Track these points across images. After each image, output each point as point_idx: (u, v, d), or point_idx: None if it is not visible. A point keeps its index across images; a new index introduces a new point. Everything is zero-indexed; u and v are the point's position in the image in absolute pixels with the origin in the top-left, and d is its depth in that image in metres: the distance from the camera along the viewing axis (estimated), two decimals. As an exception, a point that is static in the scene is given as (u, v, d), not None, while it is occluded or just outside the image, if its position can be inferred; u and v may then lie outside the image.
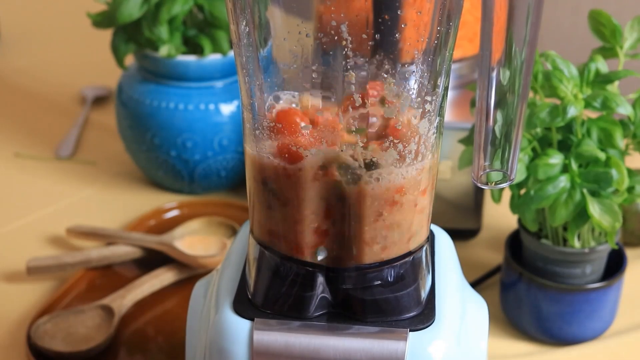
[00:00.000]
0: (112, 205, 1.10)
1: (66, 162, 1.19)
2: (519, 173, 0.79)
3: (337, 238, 0.62)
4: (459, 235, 0.92)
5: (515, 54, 0.57)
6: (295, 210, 0.61)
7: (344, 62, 0.57)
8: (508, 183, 0.62)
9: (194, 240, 0.97)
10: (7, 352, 0.85)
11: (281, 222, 0.62)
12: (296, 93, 0.60)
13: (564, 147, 0.81)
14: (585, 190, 0.78)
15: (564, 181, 0.78)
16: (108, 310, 0.87)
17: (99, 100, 1.34)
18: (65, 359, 0.83)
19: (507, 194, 0.87)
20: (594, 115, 0.82)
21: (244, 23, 0.58)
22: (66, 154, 1.20)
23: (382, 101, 0.59)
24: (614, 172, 0.77)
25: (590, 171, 0.78)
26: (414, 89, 0.59)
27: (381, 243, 0.62)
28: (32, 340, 0.83)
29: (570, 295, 0.84)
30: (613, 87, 0.81)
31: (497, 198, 0.83)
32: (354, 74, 0.57)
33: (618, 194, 0.79)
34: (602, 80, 0.79)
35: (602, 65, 0.80)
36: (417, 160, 0.60)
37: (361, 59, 0.57)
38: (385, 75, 0.57)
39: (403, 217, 0.61)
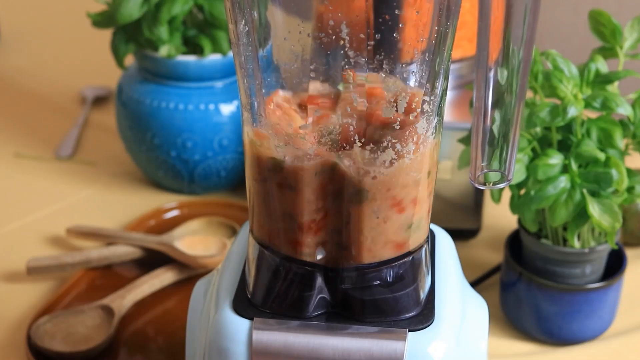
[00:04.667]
0: (112, 205, 1.10)
1: (66, 162, 1.19)
2: (518, 173, 0.79)
3: (336, 238, 0.62)
4: (459, 235, 0.92)
5: (512, 54, 0.57)
6: (294, 210, 0.61)
7: (343, 62, 0.57)
8: (506, 183, 0.62)
9: (194, 240, 0.97)
10: (7, 352, 0.85)
11: (280, 222, 0.62)
12: (295, 93, 0.60)
13: (564, 147, 0.81)
14: (585, 191, 0.78)
15: (563, 181, 0.78)
16: (108, 310, 0.87)
17: (99, 100, 1.34)
18: (65, 359, 0.83)
19: (507, 194, 0.87)
20: (593, 115, 0.82)
21: (243, 23, 0.58)
22: (66, 154, 1.20)
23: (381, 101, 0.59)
24: (613, 172, 0.77)
25: (590, 171, 0.78)
26: (412, 88, 0.59)
27: (380, 243, 0.62)
28: (32, 340, 0.83)
29: (570, 295, 0.84)
30: (613, 88, 0.81)
31: (497, 198, 0.83)
32: (352, 74, 0.57)
33: (618, 194, 0.79)
34: (602, 80, 0.79)
35: (602, 65, 0.80)
36: (415, 160, 0.60)
37: (360, 59, 0.57)
38: (384, 75, 0.57)
39: (402, 217, 0.61)
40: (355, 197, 0.60)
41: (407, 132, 0.59)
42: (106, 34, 1.10)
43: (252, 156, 0.62)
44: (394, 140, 0.59)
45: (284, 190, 0.61)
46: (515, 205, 0.81)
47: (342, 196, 0.60)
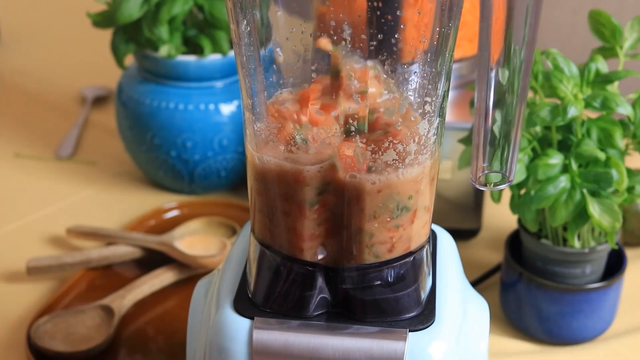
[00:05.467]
0: (112, 205, 1.10)
1: (66, 162, 1.19)
2: (519, 173, 0.79)
3: (337, 238, 0.62)
4: (459, 235, 0.92)
5: (514, 54, 0.57)
6: (296, 209, 0.61)
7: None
8: (507, 184, 0.62)
9: (194, 240, 0.97)
10: (7, 352, 0.85)
11: (282, 222, 0.62)
12: (297, 93, 0.60)
13: (564, 147, 0.81)
14: (585, 191, 0.78)
15: (564, 181, 0.78)
16: (108, 310, 0.87)
17: (99, 100, 1.34)
18: (65, 359, 0.83)
19: (507, 194, 0.87)
20: (593, 115, 0.82)
21: (245, 23, 0.58)
22: (66, 154, 1.20)
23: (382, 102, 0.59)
24: (613, 172, 0.77)
25: (590, 171, 0.78)
26: (414, 89, 0.59)
27: (381, 243, 0.61)
28: (32, 340, 0.83)
29: (570, 295, 0.84)
30: (613, 87, 0.81)
31: (497, 198, 0.83)
32: (353, 74, 0.57)
33: (618, 194, 0.79)
34: (602, 80, 0.79)
35: (602, 65, 0.81)
36: (417, 161, 0.60)
37: (362, 59, 0.57)
38: (385, 76, 0.57)
39: (403, 218, 0.61)
40: (356, 197, 0.60)
41: (408, 133, 0.59)
42: (106, 34, 1.10)
43: (253, 156, 0.62)
44: (395, 141, 0.59)
45: (285, 190, 0.61)
46: (516, 205, 0.81)
47: (343, 196, 0.60)
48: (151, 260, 0.96)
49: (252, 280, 0.65)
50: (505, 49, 0.57)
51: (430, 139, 0.60)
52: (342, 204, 0.60)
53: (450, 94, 0.99)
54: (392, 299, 0.63)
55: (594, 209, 0.77)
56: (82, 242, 1.01)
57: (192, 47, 1.06)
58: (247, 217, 1.00)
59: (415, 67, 0.58)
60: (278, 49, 0.58)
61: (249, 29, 0.58)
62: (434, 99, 0.60)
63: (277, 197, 0.61)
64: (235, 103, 1.07)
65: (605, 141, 0.79)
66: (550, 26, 1.44)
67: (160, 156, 1.08)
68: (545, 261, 0.84)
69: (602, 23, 0.81)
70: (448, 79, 0.61)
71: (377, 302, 0.63)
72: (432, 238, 0.72)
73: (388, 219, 0.61)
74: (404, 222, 0.62)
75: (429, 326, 0.63)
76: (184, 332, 0.79)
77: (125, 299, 0.89)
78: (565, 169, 0.79)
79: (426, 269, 0.65)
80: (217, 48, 1.05)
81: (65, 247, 1.01)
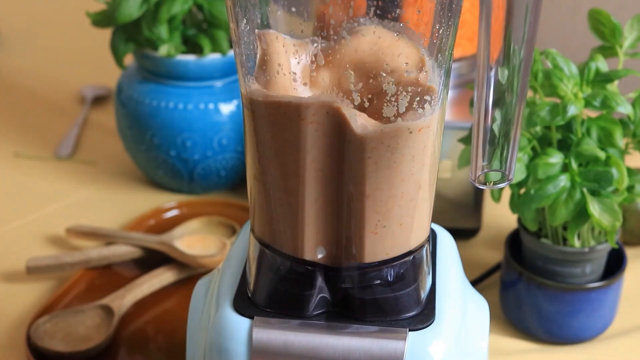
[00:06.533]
0: (112, 205, 1.10)
1: (66, 162, 1.19)
2: (518, 172, 0.79)
3: (337, 237, 0.62)
4: (459, 234, 0.92)
5: (513, 53, 0.57)
6: (295, 208, 0.61)
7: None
8: (506, 183, 0.62)
9: (194, 240, 0.97)
10: (7, 352, 0.85)
11: (281, 221, 0.62)
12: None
13: (564, 146, 0.81)
14: (585, 190, 0.78)
15: (563, 180, 0.78)
16: (108, 310, 0.87)
17: (99, 100, 1.34)
18: (64, 359, 0.82)
19: (507, 193, 0.87)
20: (593, 114, 0.82)
21: (245, 22, 0.58)
22: (66, 154, 1.20)
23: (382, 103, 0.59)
24: (614, 171, 0.77)
25: (590, 170, 0.78)
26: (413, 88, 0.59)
27: (381, 242, 0.61)
28: (31, 340, 0.83)
29: (570, 295, 0.84)
30: (613, 86, 0.81)
31: (496, 197, 0.83)
32: (352, 73, 0.57)
33: (618, 193, 0.79)
34: (602, 79, 0.79)
35: (602, 64, 0.80)
36: (416, 160, 0.60)
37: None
38: (385, 75, 0.57)
39: (403, 216, 0.61)
40: (356, 196, 0.59)
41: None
42: (106, 34, 1.10)
43: (253, 155, 0.62)
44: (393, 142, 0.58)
45: (285, 189, 0.60)
46: (515, 204, 0.81)
47: (343, 196, 0.60)
48: (151, 260, 0.96)
49: (251, 279, 0.65)
50: (504, 48, 0.57)
51: (430, 138, 0.60)
52: (342, 203, 0.60)
53: (450, 93, 0.99)
54: (391, 298, 0.63)
55: (594, 208, 0.77)
56: (81, 241, 1.01)
57: (192, 46, 1.06)
58: (247, 217, 1.00)
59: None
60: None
61: (248, 28, 0.58)
62: (433, 97, 0.59)
63: (276, 196, 0.61)
64: (235, 102, 1.07)
65: (605, 140, 0.79)
66: (550, 26, 1.44)
67: (159, 156, 1.08)
68: (545, 260, 0.84)
69: (601, 22, 0.81)
70: (447, 78, 0.61)
71: (377, 302, 0.63)
72: (432, 237, 0.72)
73: (388, 218, 0.60)
74: (403, 221, 0.61)
75: (428, 325, 0.63)
76: (183, 332, 0.79)
77: (125, 299, 0.89)
78: (565, 168, 0.79)
79: (426, 268, 0.65)
80: (216, 47, 1.05)
81: (65, 246, 1.01)
